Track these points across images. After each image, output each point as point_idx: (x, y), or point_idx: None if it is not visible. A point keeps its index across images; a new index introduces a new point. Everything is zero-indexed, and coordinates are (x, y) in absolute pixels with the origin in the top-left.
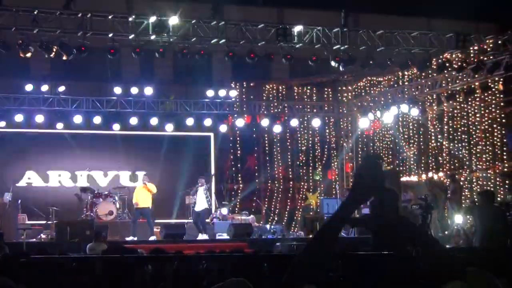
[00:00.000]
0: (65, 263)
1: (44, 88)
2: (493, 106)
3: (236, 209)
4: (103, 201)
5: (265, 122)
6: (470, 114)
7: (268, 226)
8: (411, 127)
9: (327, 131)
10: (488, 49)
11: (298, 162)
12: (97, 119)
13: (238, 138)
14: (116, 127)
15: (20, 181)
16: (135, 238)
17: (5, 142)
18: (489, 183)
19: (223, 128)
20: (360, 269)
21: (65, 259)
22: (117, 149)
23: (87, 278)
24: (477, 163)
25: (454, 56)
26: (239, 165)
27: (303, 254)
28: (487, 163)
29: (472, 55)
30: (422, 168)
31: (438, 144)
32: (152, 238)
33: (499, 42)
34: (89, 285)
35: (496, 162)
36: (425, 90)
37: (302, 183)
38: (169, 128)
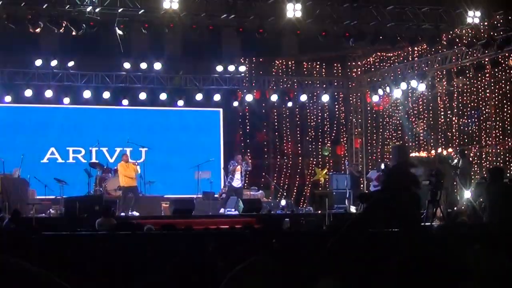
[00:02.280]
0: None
1: (53, 63)
2: (503, 81)
3: (245, 184)
4: (112, 176)
5: (274, 98)
6: (480, 90)
7: (283, 202)
8: (420, 102)
9: (336, 106)
10: (499, 25)
11: (307, 138)
12: (106, 94)
13: (247, 114)
14: (125, 102)
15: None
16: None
17: (16, 117)
18: (498, 159)
19: (233, 103)
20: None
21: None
22: (127, 124)
23: (99, 253)
24: (487, 139)
25: (464, 31)
26: (248, 141)
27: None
28: (497, 139)
29: (482, 30)
30: (432, 144)
31: (448, 120)
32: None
33: (510, 17)
34: (100, 260)
35: (506, 138)
36: (434, 65)
37: (311, 159)
38: (178, 103)
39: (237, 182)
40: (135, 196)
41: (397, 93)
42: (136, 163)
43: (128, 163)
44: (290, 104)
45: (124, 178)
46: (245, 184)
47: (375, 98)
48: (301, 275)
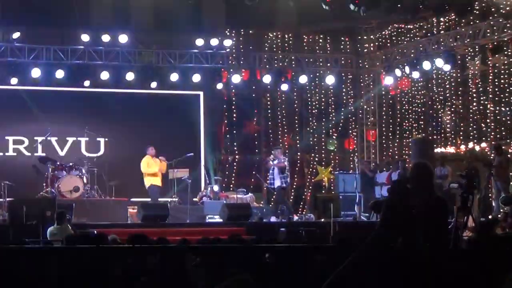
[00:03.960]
0: (20, 252)
1: None
2: None
3: (231, 185)
4: (67, 174)
5: (267, 79)
6: None
7: (270, 207)
8: (447, 86)
9: (344, 90)
10: None
11: (307, 129)
12: (59, 73)
13: (234, 98)
14: (83, 83)
15: None
16: None
17: None
18: None
19: (216, 85)
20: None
21: (19, 248)
22: (85, 110)
23: (48, 271)
24: None
25: None
26: (235, 132)
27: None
28: None
29: None
30: (461, 137)
31: (481, 107)
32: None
33: None
34: (50, 279)
35: None
36: (465, 41)
37: (313, 155)
38: (149, 85)
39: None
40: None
41: (418, 74)
42: (164, 160)
43: (155, 158)
44: (286, 86)
45: (148, 177)
46: (231, 186)
47: (391, 80)
48: None
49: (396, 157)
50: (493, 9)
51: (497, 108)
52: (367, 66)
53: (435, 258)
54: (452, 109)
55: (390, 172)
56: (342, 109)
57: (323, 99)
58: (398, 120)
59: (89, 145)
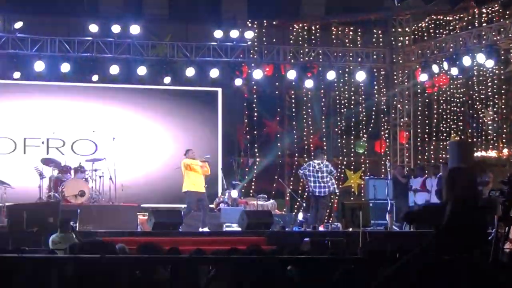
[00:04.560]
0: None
1: None
2: None
3: (251, 191)
4: (72, 177)
5: (291, 75)
6: None
7: (302, 216)
8: (490, 84)
9: (376, 87)
10: None
11: (335, 129)
12: (65, 67)
13: (254, 96)
14: (90, 77)
15: None
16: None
17: None
18: None
19: (235, 81)
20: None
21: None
22: (92, 107)
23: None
24: None
25: None
26: (255, 132)
27: None
28: None
29: None
30: (504, 140)
31: None
32: None
33: None
34: None
35: None
36: (509, 34)
37: (340, 158)
38: (163, 80)
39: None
40: (204, 207)
41: (457, 71)
42: (207, 160)
43: (195, 160)
44: (312, 83)
45: (189, 181)
46: (251, 191)
47: (428, 77)
48: None
49: (432, 161)
50: None
51: None
52: (401, 61)
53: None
54: (495, 109)
55: (424, 177)
56: (374, 108)
57: (353, 97)
58: (435, 121)
59: (96, 146)
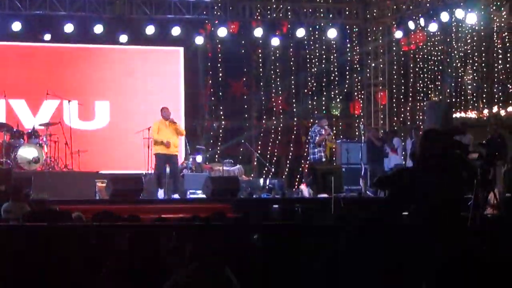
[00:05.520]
0: None
1: None
2: None
3: (216, 156)
4: (25, 142)
5: (258, 32)
6: None
7: (261, 181)
8: (469, 41)
9: (348, 46)
10: None
11: (305, 90)
12: (16, 26)
13: (219, 55)
14: (44, 36)
15: None
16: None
17: None
18: None
19: (198, 40)
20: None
21: None
22: (45, 67)
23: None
24: None
25: None
26: (220, 94)
27: None
28: None
29: None
30: (484, 101)
31: (508, 66)
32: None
33: None
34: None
35: None
36: None
37: (311, 120)
38: (120, 39)
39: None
40: (172, 171)
41: (435, 27)
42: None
43: (169, 121)
44: (280, 41)
45: (158, 143)
46: (216, 156)
47: (403, 34)
48: None
49: (409, 123)
50: None
51: None
52: (375, 17)
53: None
54: (474, 68)
55: (399, 140)
56: (347, 68)
57: (324, 56)
58: (411, 80)
59: (50, 109)
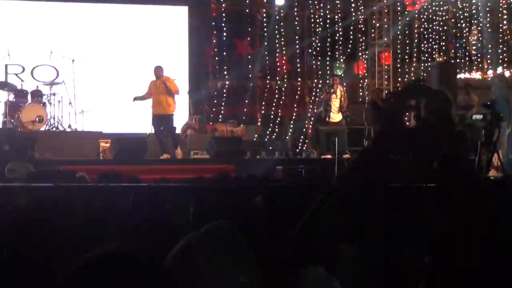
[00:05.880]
0: None
1: None
2: None
3: (220, 116)
4: (29, 102)
5: None
6: None
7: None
8: (474, 1)
9: (353, 5)
10: None
11: (309, 50)
12: None
13: (224, 14)
14: None
15: None
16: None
17: None
18: None
19: None
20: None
21: None
22: (50, 26)
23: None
24: None
25: None
26: (225, 53)
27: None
28: None
29: None
30: (489, 61)
31: None
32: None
33: None
34: (10, 222)
35: None
36: None
37: (316, 81)
38: None
39: (336, 116)
40: (166, 130)
41: None
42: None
43: (162, 79)
44: (285, 1)
45: (154, 104)
46: (220, 116)
47: None
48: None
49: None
50: None
51: None
52: None
53: (456, 199)
54: (479, 28)
55: None
56: (351, 27)
57: (329, 15)
58: (416, 41)
59: (55, 68)
